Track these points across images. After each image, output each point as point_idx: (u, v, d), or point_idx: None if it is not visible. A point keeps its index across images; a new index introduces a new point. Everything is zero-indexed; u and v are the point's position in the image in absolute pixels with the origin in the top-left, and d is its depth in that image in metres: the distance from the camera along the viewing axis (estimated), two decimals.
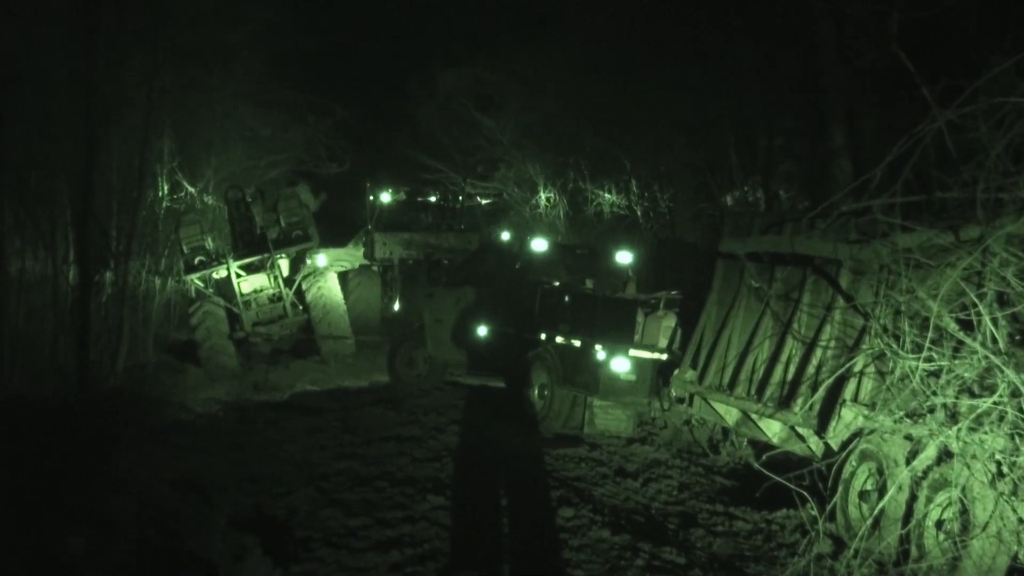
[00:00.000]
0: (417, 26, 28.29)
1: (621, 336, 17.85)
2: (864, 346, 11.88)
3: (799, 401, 12.95)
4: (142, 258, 24.56)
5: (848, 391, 12.27)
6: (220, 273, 27.28)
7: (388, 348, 25.61)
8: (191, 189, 28.19)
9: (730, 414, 14.88)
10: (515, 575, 11.10)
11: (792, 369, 13.54)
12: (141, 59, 22.10)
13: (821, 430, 12.61)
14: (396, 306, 27.55)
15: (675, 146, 25.05)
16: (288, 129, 29.72)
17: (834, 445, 12.47)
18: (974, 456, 10.08)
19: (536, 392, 19.52)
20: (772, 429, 13.94)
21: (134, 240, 23.36)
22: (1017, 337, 10.08)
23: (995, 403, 9.67)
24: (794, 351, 13.62)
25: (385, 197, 32.60)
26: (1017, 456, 9.57)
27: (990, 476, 9.95)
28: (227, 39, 25.18)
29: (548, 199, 30.98)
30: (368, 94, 28.89)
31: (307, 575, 10.93)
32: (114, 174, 22.81)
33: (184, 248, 26.99)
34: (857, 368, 12.07)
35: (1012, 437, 9.63)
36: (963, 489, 10.29)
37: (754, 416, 14.11)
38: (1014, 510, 9.69)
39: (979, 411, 9.84)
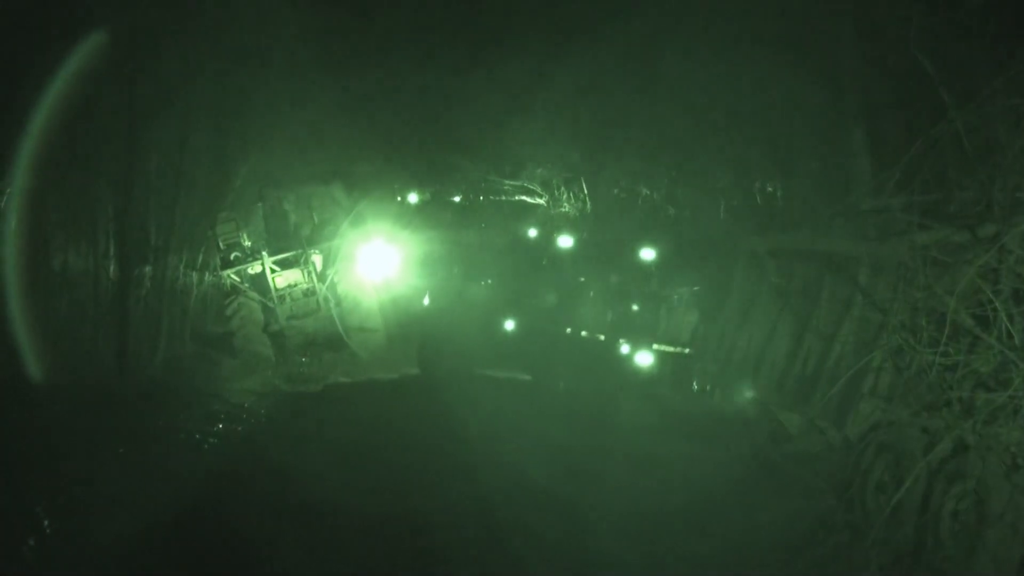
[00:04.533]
0: (449, 28, 28.20)
1: (644, 330, 17.89)
2: (882, 341, 11.85)
3: (819, 394, 12.94)
4: (180, 254, 24.65)
5: (866, 385, 12.25)
6: (255, 268, 27.44)
7: (418, 341, 25.68)
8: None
9: (751, 407, 14.88)
10: (545, 565, 11.13)
11: (811, 363, 13.54)
12: (180, 59, 22.18)
13: (840, 423, 12.60)
14: (425, 301, 27.62)
15: (703, 145, 25.00)
16: (323, 128, 29.75)
17: (852, 437, 12.46)
18: (989, 448, 10.06)
19: (562, 385, 19.56)
20: (792, 421, 13.93)
21: (172, 236, 23.45)
22: None
23: (1010, 397, 9.66)
24: (813, 346, 13.62)
25: (412, 197, 32.81)
26: None
27: (1005, 468, 9.93)
28: (265, 40, 25.23)
29: (573, 196, 31.00)
30: (401, 94, 28.80)
31: (344, 562, 11.00)
32: (153, 172, 22.89)
33: (220, 244, 27.17)
34: (875, 363, 12.05)
35: None
36: (978, 481, 10.28)
37: (775, 409, 14.11)
38: None
39: (994, 405, 9.84)
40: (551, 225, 28.57)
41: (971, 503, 10.39)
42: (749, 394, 14.72)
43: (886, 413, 11.76)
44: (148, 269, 22.87)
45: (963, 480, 10.45)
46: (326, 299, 27.79)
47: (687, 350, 17.50)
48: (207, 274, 27.57)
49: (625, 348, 18.08)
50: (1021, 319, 10.00)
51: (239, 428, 18.59)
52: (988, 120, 10.61)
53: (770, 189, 22.48)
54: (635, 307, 18.43)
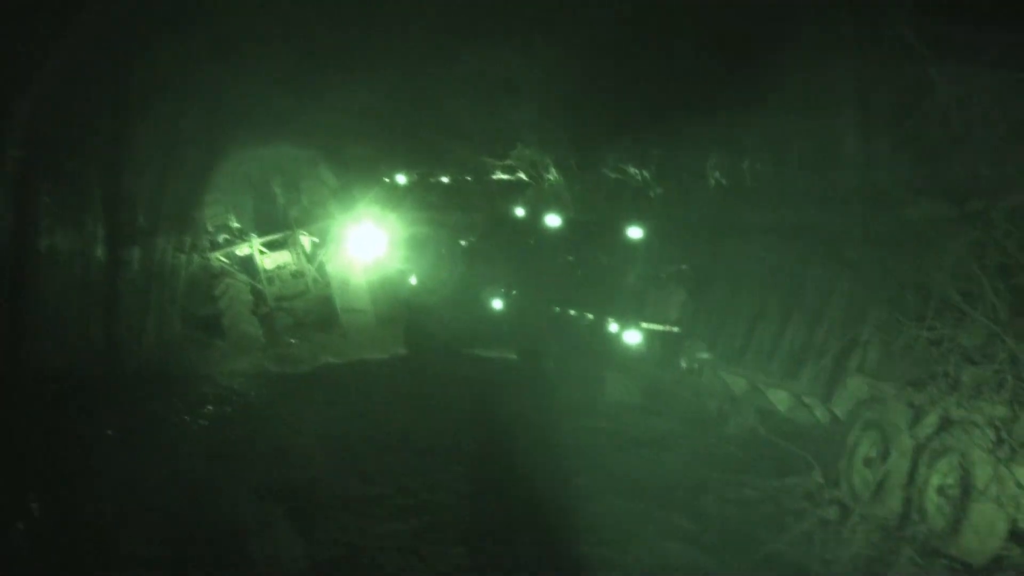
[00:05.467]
0: (439, 8, 28.11)
1: (632, 309, 17.88)
2: (869, 317, 11.87)
3: (806, 371, 12.96)
4: (169, 236, 24.61)
5: (854, 361, 12.28)
6: (244, 250, 27.45)
7: (406, 322, 25.72)
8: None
9: (739, 384, 14.91)
10: (530, 543, 11.12)
11: (799, 340, 13.56)
12: (172, 44, 22.08)
13: (827, 399, 12.63)
14: (412, 280, 27.64)
15: (693, 123, 24.96)
16: (314, 111, 29.67)
17: (839, 414, 12.49)
18: (974, 423, 10.09)
19: (551, 363, 19.55)
20: (779, 399, 13.96)
21: (161, 219, 23.41)
22: (1017, 307, 10.09)
23: (995, 371, 9.68)
24: (801, 322, 13.63)
25: (401, 178, 32.83)
26: (1016, 423, 9.58)
27: (990, 442, 9.96)
28: (256, 25, 25.13)
29: (560, 176, 30.97)
30: (390, 76, 28.68)
31: (329, 543, 10.97)
32: (142, 156, 22.82)
33: (209, 226, 27.20)
34: (862, 338, 12.08)
35: (1011, 404, 9.64)
36: (963, 455, 10.31)
37: (762, 386, 14.13)
38: (1012, 475, 9.70)
39: (979, 379, 9.86)
40: (539, 205, 28.52)
41: (956, 477, 10.43)
42: (738, 371, 14.73)
43: (873, 389, 11.78)
44: (137, 252, 22.81)
45: (948, 455, 10.49)
46: (315, 280, 27.84)
47: (675, 328, 17.48)
48: (196, 256, 27.54)
49: (613, 327, 18.08)
50: (1007, 294, 10.03)
51: (229, 410, 18.57)
52: (975, 96, 10.62)
53: (759, 167, 22.45)
54: (623, 286, 18.39)
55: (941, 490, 10.71)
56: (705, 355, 15.56)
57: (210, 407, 18.49)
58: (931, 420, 10.67)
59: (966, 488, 10.27)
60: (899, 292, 10.87)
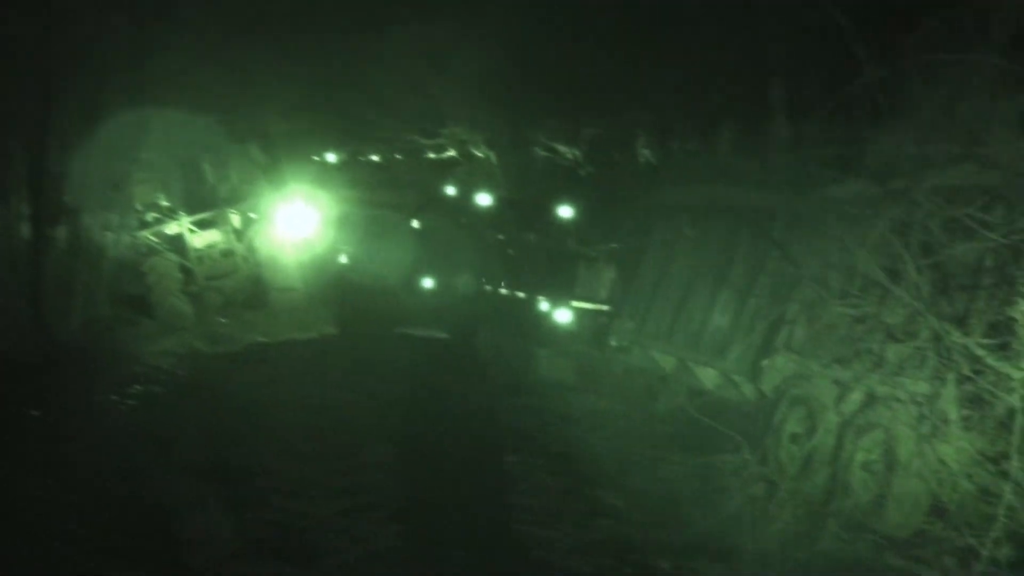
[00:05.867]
0: None
1: (563, 288, 17.95)
2: (795, 295, 11.99)
3: (734, 349, 13.07)
4: (95, 214, 24.29)
5: (781, 339, 12.40)
6: (173, 229, 27.19)
7: (336, 301, 25.65)
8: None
9: (668, 362, 15.00)
10: (462, 521, 11.13)
11: (727, 318, 13.67)
12: (95, 17, 21.77)
13: (754, 377, 12.74)
14: (342, 259, 27.55)
15: (622, 104, 25.06)
16: (241, 88, 29.41)
17: (767, 391, 12.61)
18: (897, 399, 10.24)
19: (482, 342, 19.58)
20: (708, 376, 14.06)
21: (87, 197, 23.08)
22: (939, 285, 10.23)
23: (917, 348, 9.82)
24: (730, 300, 13.74)
25: (330, 157, 32.75)
26: (937, 399, 9.72)
27: (912, 418, 10.11)
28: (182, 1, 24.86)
29: (493, 155, 31.00)
30: (318, 52, 28.49)
31: (261, 523, 10.90)
32: (68, 133, 22.51)
33: (137, 205, 26.88)
34: (789, 316, 12.19)
35: (933, 381, 9.78)
36: (887, 431, 10.46)
37: (691, 364, 14.23)
38: (934, 451, 9.84)
39: (902, 356, 10.00)
40: (470, 184, 28.51)
41: (880, 453, 10.58)
42: (667, 349, 14.82)
43: (799, 366, 11.90)
44: (63, 230, 22.52)
45: (873, 431, 10.63)
46: (245, 259, 27.63)
47: (606, 307, 17.57)
48: (124, 235, 27.21)
49: (544, 305, 18.15)
50: (929, 272, 10.16)
51: (158, 390, 18.36)
52: (901, 77, 10.72)
53: (690, 147, 22.59)
54: (554, 265, 18.46)
55: (866, 466, 10.86)
56: (635, 333, 15.62)
57: (138, 387, 18.25)
58: (856, 397, 10.81)
59: (890, 464, 10.43)
60: (824, 270, 10.98)
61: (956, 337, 9.39)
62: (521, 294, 18.85)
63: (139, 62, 24.05)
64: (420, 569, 9.74)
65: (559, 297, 18.04)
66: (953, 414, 9.40)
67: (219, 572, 9.49)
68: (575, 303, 17.95)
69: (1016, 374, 8.85)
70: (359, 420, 15.40)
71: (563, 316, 17.93)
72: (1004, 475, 8.72)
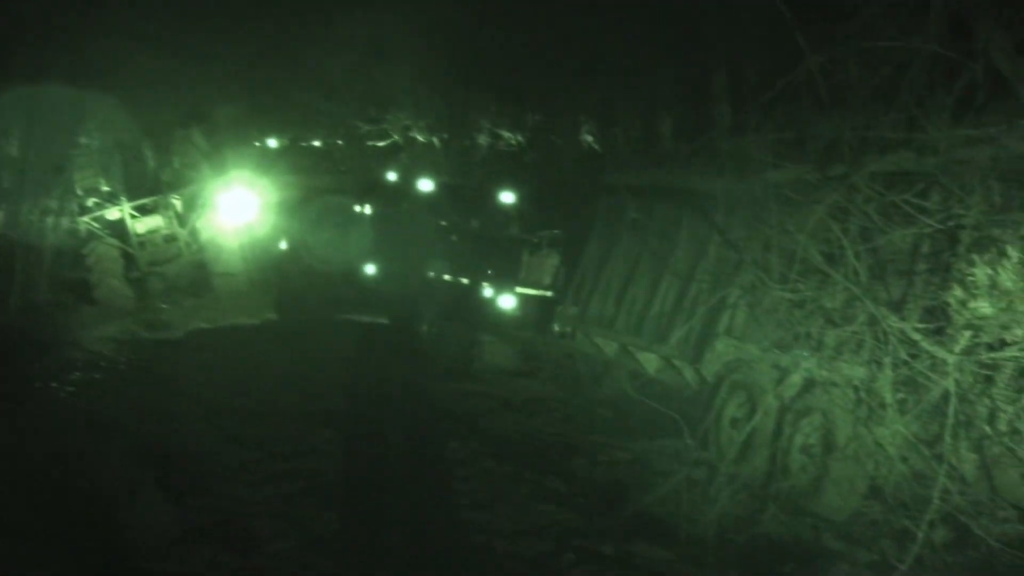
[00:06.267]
0: None
1: (506, 274, 17.98)
2: (736, 279, 12.06)
3: (675, 334, 13.13)
4: (35, 199, 24.07)
5: (722, 324, 12.48)
6: (114, 214, 27.00)
7: (277, 286, 25.59)
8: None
9: (611, 347, 15.05)
10: (404, 506, 11.11)
11: (669, 303, 13.73)
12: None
13: (696, 361, 12.81)
14: (283, 245, 27.46)
15: (565, 90, 25.14)
16: (184, 72, 29.20)
17: (708, 376, 12.69)
18: (835, 383, 10.34)
19: (425, 328, 19.57)
20: (650, 361, 14.12)
21: (25, 182, 22.86)
22: (877, 270, 10.33)
23: (853, 332, 9.91)
24: (671, 286, 13.80)
25: (272, 142, 32.72)
26: (874, 383, 9.82)
27: (849, 402, 10.21)
28: None
29: (436, 140, 31.02)
30: (260, 36, 28.36)
31: (201, 509, 10.83)
32: (3, 116, 22.27)
33: (78, 190, 26.67)
34: (730, 301, 12.27)
35: (869, 365, 9.88)
36: (825, 415, 10.57)
37: (633, 349, 14.28)
38: (871, 434, 9.95)
39: (839, 340, 10.10)
40: (413, 169, 28.48)
41: (819, 437, 10.69)
42: (609, 335, 14.87)
43: (739, 351, 11.99)
44: (0, 215, 22.32)
45: (811, 414, 10.73)
46: (187, 244, 27.51)
47: (549, 293, 17.63)
48: (64, 220, 26.99)
49: (488, 292, 18.17)
50: (867, 256, 10.26)
51: (98, 376, 18.19)
52: (840, 64, 10.80)
53: (633, 133, 22.68)
54: (498, 251, 18.49)
55: (805, 449, 10.98)
56: (578, 319, 15.67)
57: (78, 373, 18.09)
58: (795, 381, 10.90)
59: (828, 447, 10.55)
60: (765, 255, 11.05)
61: (893, 321, 9.48)
62: (465, 280, 18.86)
63: (78, 45, 23.79)
64: (361, 554, 9.73)
65: (503, 283, 18.07)
66: (889, 398, 9.50)
67: (159, 559, 9.42)
68: (519, 289, 18.01)
69: (950, 358, 8.95)
70: (299, 405, 15.33)
71: (507, 302, 17.97)
72: (938, 458, 8.83)
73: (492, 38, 25.31)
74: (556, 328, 16.47)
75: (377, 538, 10.07)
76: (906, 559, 8.49)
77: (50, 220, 25.40)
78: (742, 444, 11.10)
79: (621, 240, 15.28)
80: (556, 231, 18.21)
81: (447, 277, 19.30)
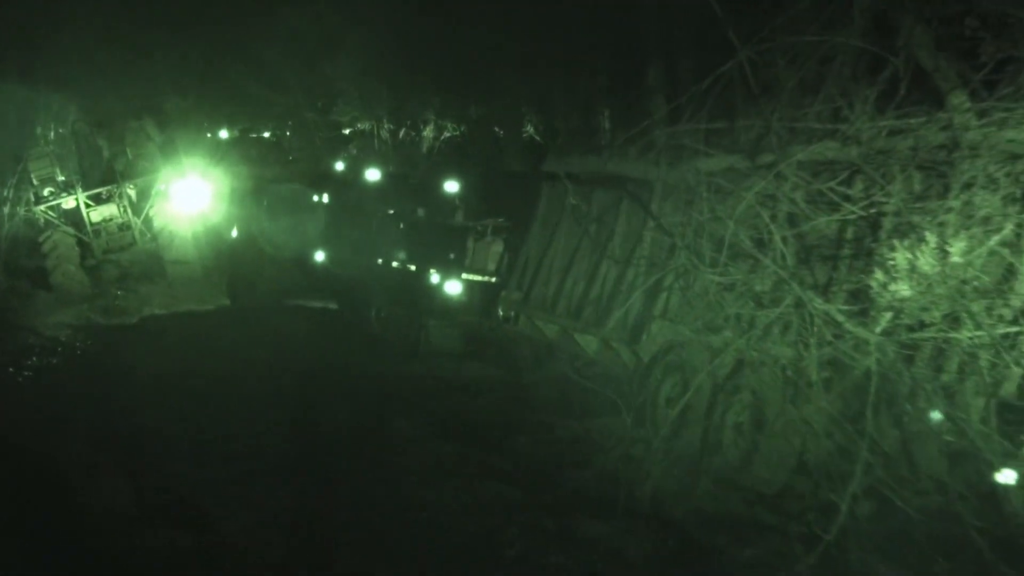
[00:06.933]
0: None
1: (453, 261, 18.01)
2: (671, 264, 12.15)
3: (613, 317, 13.21)
4: None
5: (657, 307, 12.56)
6: (70, 203, 26.82)
7: (228, 273, 25.52)
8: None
9: (552, 330, 15.10)
10: (353, 485, 11.12)
11: (608, 287, 13.81)
12: None
13: (633, 343, 12.90)
14: (234, 232, 27.35)
15: (507, 83, 25.18)
16: (135, 64, 28.99)
17: (644, 357, 12.78)
18: (763, 363, 10.47)
19: (374, 313, 19.57)
20: (589, 344, 14.20)
21: None
22: (803, 254, 10.46)
23: (781, 314, 10.03)
24: (610, 270, 13.88)
25: (223, 133, 32.64)
26: (801, 363, 9.94)
27: (778, 381, 10.34)
28: None
29: (383, 131, 31.03)
30: (212, 30, 28.22)
31: (157, 489, 10.80)
32: None
33: (34, 179, 26.51)
34: (665, 284, 12.36)
35: (796, 345, 10.00)
36: (754, 393, 10.69)
37: (574, 332, 14.36)
38: (799, 411, 10.08)
39: (768, 321, 10.21)
40: (360, 159, 28.44)
41: (749, 415, 10.82)
42: (550, 319, 14.94)
43: (674, 333, 12.09)
44: None
45: (742, 393, 10.86)
46: (142, 233, 27.39)
47: (494, 279, 17.68)
48: (20, 209, 26.78)
49: (435, 278, 18.19)
50: (794, 242, 10.39)
51: (55, 361, 18.10)
52: (769, 58, 10.91)
53: (572, 124, 22.74)
54: (443, 238, 18.52)
55: (736, 426, 11.10)
56: (521, 304, 15.72)
57: (35, 358, 17.98)
58: (726, 360, 11.01)
59: (758, 424, 10.68)
60: (697, 240, 11.14)
61: (818, 304, 9.60)
62: (412, 267, 18.87)
63: (33, 39, 23.57)
64: (311, 531, 9.75)
65: (449, 270, 18.10)
66: (815, 376, 9.61)
67: (117, 539, 9.40)
68: (464, 275, 18.04)
69: (872, 339, 9.08)
70: (252, 388, 15.32)
71: (453, 288, 18.00)
72: (861, 434, 8.96)
73: (435, 33, 25.28)
74: (500, 312, 16.50)
75: (327, 515, 10.08)
76: (831, 530, 8.62)
77: (6, 209, 25.21)
78: (676, 421, 11.19)
79: (562, 227, 15.33)
80: (500, 219, 18.24)
81: (395, 264, 19.30)
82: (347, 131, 33.36)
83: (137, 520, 9.87)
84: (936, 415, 8.92)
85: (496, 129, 27.65)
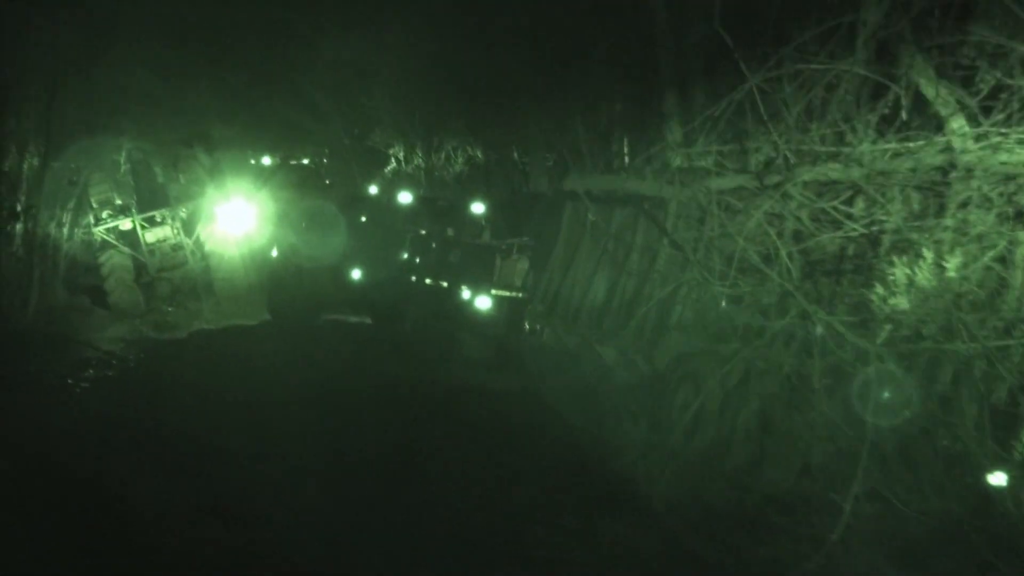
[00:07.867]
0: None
1: (482, 278, 18.14)
2: (684, 278, 12.18)
3: (631, 329, 13.24)
4: (52, 211, 24.13)
5: (672, 319, 12.58)
6: (126, 225, 27.08)
7: (269, 290, 25.75)
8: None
9: (573, 342, 15.15)
10: (388, 487, 11.18)
11: (626, 301, 13.85)
12: (44, 28, 21.53)
13: (649, 355, 12.92)
14: (275, 252, 27.59)
15: (530, 111, 25.30)
16: (185, 95, 29.28)
17: (660, 366, 12.79)
18: (769, 371, 10.48)
19: (408, 327, 19.69)
20: (609, 355, 14.22)
21: (42, 196, 22.92)
22: (807, 269, 10.48)
23: (787, 325, 10.04)
24: (627, 285, 13.92)
25: (266, 160, 32.98)
26: (804, 370, 9.95)
27: (784, 389, 10.35)
28: (127, 13, 24.65)
29: (415, 158, 31.21)
30: (256, 61, 28.54)
31: (200, 490, 10.85)
32: (25, 136, 22.33)
33: (93, 203, 26.78)
34: (679, 298, 12.39)
35: (800, 355, 10.02)
36: (762, 400, 10.70)
37: (594, 343, 14.39)
38: (803, 418, 10.08)
39: (774, 332, 10.23)
40: (394, 183, 28.66)
41: (757, 420, 10.82)
42: (573, 330, 15.00)
43: (687, 343, 12.11)
44: (19, 226, 22.38)
45: (751, 401, 10.86)
46: (193, 252, 27.61)
47: (521, 294, 17.79)
48: (80, 231, 27.06)
49: (465, 294, 18.33)
50: (799, 257, 10.41)
51: (110, 373, 18.23)
52: (777, 84, 10.94)
53: (594, 147, 22.80)
54: (472, 257, 18.68)
55: (746, 432, 11.09)
56: (545, 317, 15.80)
57: (92, 371, 18.12)
58: (734, 368, 11.02)
59: (765, 429, 10.68)
60: (707, 255, 11.18)
61: (821, 316, 9.62)
62: (444, 283, 19.01)
63: (88, 71, 23.83)
64: (344, 526, 9.82)
65: (479, 286, 18.23)
66: (817, 384, 9.62)
67: (171, 537, 9.49)
68: (493, 291, 18.17)
69: (872, 348, 9.09)
70: (292, 396, 15.36)
71: (483, 303, 18.13)
72: (861, 439, 8.96)
73: (464, 65, 25.41)
74: (527, 325, 16.60)
75: (359, 516, 10.13)
76: (836, 531, 8.63)
77: (66, 231, 25.49)
78: (689, 426, 11.21)
79: (583, 244, 15.41)
80: (525, 238, 18.39)
81: (428, 281, 19.45)
82: (382, 156, 33.61)
83: (182, 518, 9.96)
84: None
85: (521, 156, 27.76)
